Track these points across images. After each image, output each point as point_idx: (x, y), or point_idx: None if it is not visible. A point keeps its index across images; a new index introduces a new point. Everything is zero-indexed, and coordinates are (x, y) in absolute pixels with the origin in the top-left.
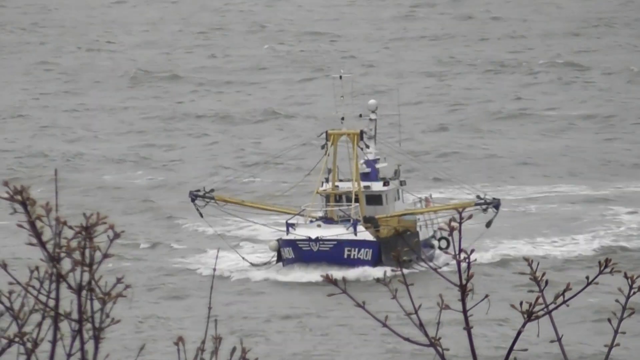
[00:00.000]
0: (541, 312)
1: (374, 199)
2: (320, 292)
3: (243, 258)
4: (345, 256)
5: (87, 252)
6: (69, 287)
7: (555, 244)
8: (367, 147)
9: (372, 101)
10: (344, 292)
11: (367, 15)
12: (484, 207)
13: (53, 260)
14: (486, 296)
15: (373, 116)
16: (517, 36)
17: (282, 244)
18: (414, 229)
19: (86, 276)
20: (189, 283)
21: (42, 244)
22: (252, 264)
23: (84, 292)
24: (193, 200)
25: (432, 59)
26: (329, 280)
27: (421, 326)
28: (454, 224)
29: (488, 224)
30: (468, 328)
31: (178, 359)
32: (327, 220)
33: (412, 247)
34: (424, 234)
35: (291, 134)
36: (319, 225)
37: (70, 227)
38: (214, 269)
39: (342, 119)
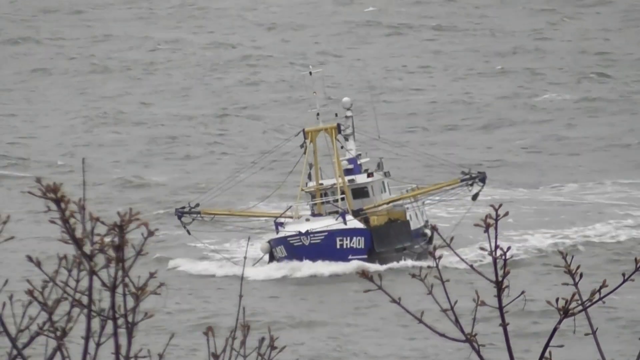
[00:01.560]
0: (577, 309)
1: (360, 192)
2: (332, 286)
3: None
4: (338, 246)
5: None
6: (103, 284)
7: (576, 235)
8: (347, 140)
9: (346, 99)
10: (380, 288)
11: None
12: (469, 182)
13: (87, 257)
14: (522, 292)
15: (349, 113)
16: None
17: (273, 243)
18: (404, 218)
19: (120, 273)
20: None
21: (76, 242)
22: (234, 262)
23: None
24: (180, 218)
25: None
26: (364, 276)
27: (457, 322)
28: (489, 220)
29: (474, 197)
30: (504, 325)
31: (208, 348)
32: (316, 215)
33: (404, 235)
34: (414, 224)
35: (266, 134)
36: (307, 220)
37: (103, 223)
38: (244, 257)
39: (318, 114)
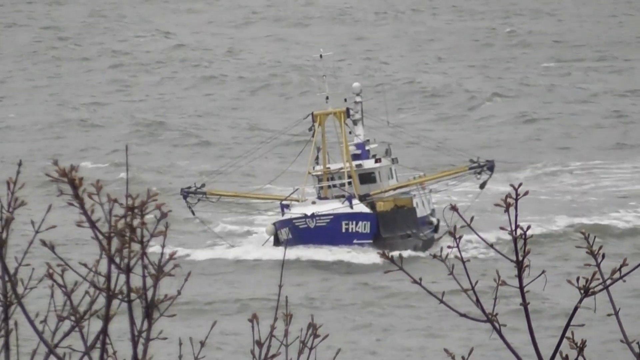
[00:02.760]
0: (598, 288)
1: (367, 177)
2: (347, 271)
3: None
4: (344, 230)
5: (137, 230)
6: (118, 267)
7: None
8: (355, 125)
9: (356, 84)
10: (401, 268)
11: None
12: (478, 170)
13: (103, 239)
14: (543, 272)
15: (358, 99)
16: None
17: (278, 225)
18: (410, 204)
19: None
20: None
21: (93, 224)
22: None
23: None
24: (185, 198)
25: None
26: (385, 257)
27: (478, 302)
28: (510, 199)
29: (482, 186)
30: (525, 304)
31: (252, 336)
32: (322, 198)
33: (410, 221)
34: (421, 211)
35: (276, 118)
36: (313, 202)
37: (122, 205)
38: (285, 247)
39: (327, 98)
